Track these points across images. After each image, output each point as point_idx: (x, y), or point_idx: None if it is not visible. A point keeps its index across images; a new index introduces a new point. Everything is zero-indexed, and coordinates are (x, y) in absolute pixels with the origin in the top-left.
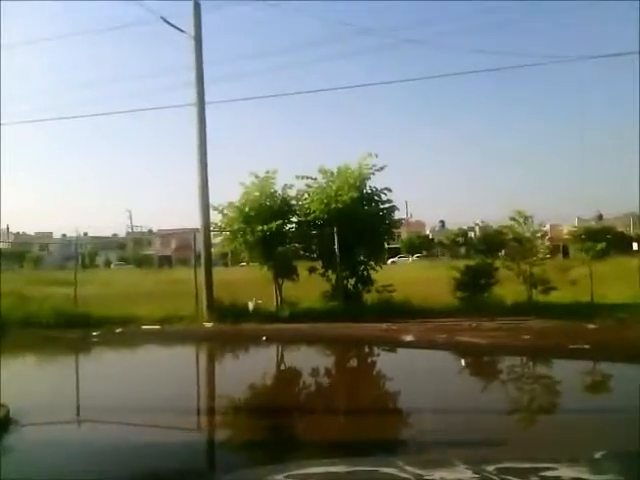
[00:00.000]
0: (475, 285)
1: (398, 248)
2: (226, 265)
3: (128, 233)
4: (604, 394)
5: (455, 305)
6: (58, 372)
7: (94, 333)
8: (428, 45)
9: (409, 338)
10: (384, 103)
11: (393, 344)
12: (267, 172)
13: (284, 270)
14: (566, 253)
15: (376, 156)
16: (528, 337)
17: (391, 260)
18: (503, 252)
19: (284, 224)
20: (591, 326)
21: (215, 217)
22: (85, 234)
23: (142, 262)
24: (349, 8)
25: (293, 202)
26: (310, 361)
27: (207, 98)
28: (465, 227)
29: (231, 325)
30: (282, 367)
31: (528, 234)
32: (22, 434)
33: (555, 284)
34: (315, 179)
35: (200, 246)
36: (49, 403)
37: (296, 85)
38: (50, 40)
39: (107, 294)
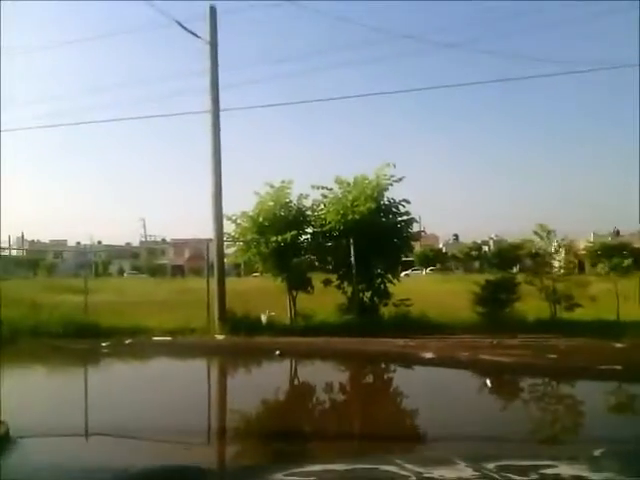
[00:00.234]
0: (496, 300)
1: (412, 261)
2: (239, 275)
3: (141, 242)
4: None
5: (474, 320)
6: (62, 385)
7: (103, 344)
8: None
9: (429, 355)
10: (397, 112)
11: (412, 361)
12: (282, 182)
13: (298, 282)
14: (582, 268)
15: (394, 166)
16: (554, 356)
17: (404, 273)
18: (518, 266)
19: (299, 235)
20: (619, 345)
21: (229, 227)
22: (99, 242)
23: (155, 271)
24: (365, 9)
25: (308, 212)
26: (325, 378)
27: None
28: (479, 241)
29: (243, 338)
30: (296, 384)
31: (551, 248)
32: (23, 451)
33: (577, 300)
34: (331, 189)
35: (213, 256)
36: (47, 417)
37: (311, 92)
38: (60, 44)
39: (118, 303)
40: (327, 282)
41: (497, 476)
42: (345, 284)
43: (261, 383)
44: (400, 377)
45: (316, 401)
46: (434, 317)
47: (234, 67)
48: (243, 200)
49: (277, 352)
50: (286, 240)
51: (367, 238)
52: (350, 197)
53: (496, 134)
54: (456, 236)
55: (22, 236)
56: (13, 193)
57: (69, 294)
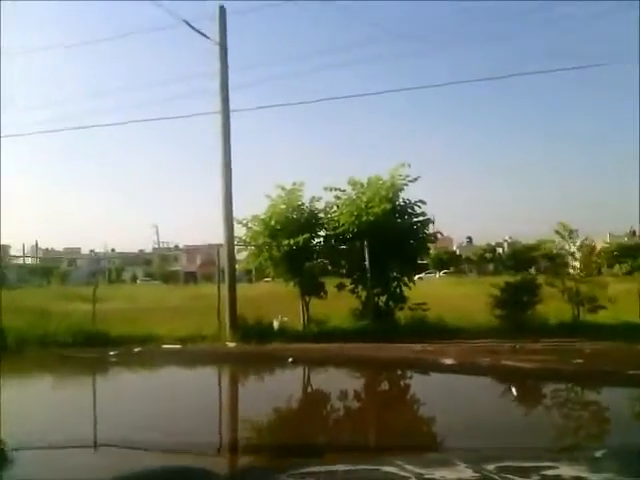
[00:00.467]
0: (516, 303)
1: (425, 264)
2: (250, 281)
3: (154, 249)
4: None
5: (493, 324)
6: (63, 395)
7: (111, 352)
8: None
9: (449, 361)
10: (409, 111)
11: (431, 368)
12: (294, 184)
13: (311, 286)
14: (598, 269)
15: (409, 166)
16: (581, 361)
17: (417, 276)
18: (533, 268)
19: (311, 238)
20: None
21: (240, 231)
22: (112, 250)
23: (168, 278)
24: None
25: (321, 215)
26: (341, 387)
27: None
28: (493, 243)
29: (255, 345)
30: (311, 393)
31: (574, 249)
32: (22, 463)
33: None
34: (344, 191)
35: (224, 262)
36: (46, 428)
37: (319, 91)
38: (61, 46)
39: (129, 310)
40: (340, 286)
41: (497, 477)
42: (359, 288)
43: (273, 392)
44: (419, 385)
45: (332, 411)
46: (451, 321)
47: (239, 68)
48: (254, 203)
49: (290, 359)
50: (298, 243)
51: (382, 240)
52: (364, 198)
53: (506, 134)
54: (469, 238)
55: (36, 244)
56: (25, 201)
57: (81, 302)
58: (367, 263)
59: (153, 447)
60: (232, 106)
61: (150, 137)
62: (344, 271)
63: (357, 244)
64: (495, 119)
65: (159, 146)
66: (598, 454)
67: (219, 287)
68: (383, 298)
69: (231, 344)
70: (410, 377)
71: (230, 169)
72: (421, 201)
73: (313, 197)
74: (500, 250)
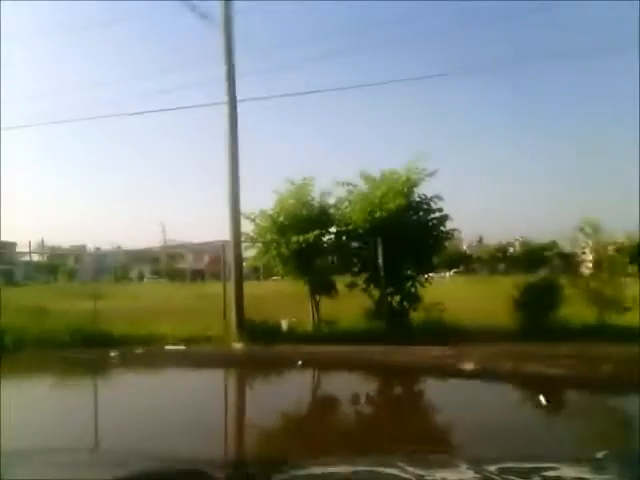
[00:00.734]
0: (537, 304)
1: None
2: (258, 279)
3: (163, 247)
4: None
5: (513, 326)
6: (57, 398)
7: (112, 353)
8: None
9: (470, 366)
10: (414, 104)
11: (451, 374)
12: (304, 178)
13: (321, 285)
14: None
15: (426, 159)
16: (609, 367)
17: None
18: (547, 268)
19: (322, 235)
20: None
21: (247, 227)
22: (118, 247)
23: (175, 276)
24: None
25: (332, 211)
26: (355, 395)
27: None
28: (504, 242)
29: (262, 346)
30: (321, 399)
31: (598, 247)
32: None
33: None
34: (356, 185)
35: (230, 259)
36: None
37: (327, 81)
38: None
39: (134, 308)
40: (352, 285)
41: (499, 478)
42: (372, 287)
43: (281, 399)
44: (440, 394)
45: (346, 422)
46: (468, 323)
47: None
48: (261, 198)
49: (299, 362)
50: (308, 240)
51: (396, 237)
52: (378, 193)
53: (516, 131)
54: (480, 238)
55: (42, 242)
56: (30, 198)
57: (85, 300)
58: (380, 261)
59: (154, 454)
60: (238, 96)
61: (156, 131)
62: (356, 269)
63: (370, 241)
64: (506, 115)
65: (165, 141)
66: (599, 455)
67: (225, 285)
68: (397, 298)
69: (237, 345)
70: (429, 384)
71: (237, 161)
72: (437, 196)
73: (323, 192)
74: (511, 250)
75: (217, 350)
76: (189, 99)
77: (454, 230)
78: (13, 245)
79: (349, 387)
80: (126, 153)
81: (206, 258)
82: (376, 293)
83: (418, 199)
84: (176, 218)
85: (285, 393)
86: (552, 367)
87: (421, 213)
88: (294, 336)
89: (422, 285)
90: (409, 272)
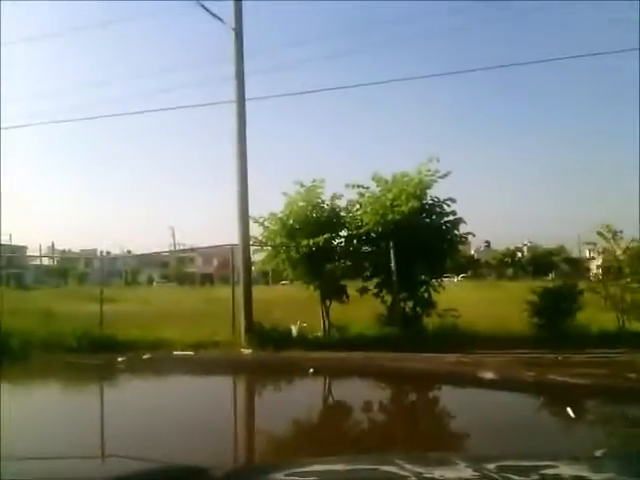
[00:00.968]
0: (556, 310)
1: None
2: (267, 283)
3: (172, 251)
4: None
5: (530, 333)
6: (60, 405)
7: (119, 359)
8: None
9: (489, 375)
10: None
11: (470, 383)
12: (314, 180)
13: (332, 290)
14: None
15: (437, 161)
16: (634, 375)
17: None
18: (554, 273)
19: (332, 238)
20: None
21: (256, 231)
22: (129, 251)
23: (184, 280)
24: None
25: (342, 214)
26: (371, 405)
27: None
28: (512, 247)
29: (272, 352)
30: (337, 411)
31: (619, 251)
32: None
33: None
34: (368, 188)
35: (239, 262)
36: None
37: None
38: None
39: (142, 313)
40: (364, 290)
41: (497, 476)
42: (384, 292)
43: (293, 408)
44: (462, 404)
45: (365, 434)
46: (482, 329)
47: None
48: (270, 201)
49: (310, 370)
50: (318, 244)
51: (409, 241)
52: (389, 195)
53: (525, 135)
54: (488, 242)
55: (52, 245)
56: (40, 201)
57: (94, 304)
58: (393, 265)
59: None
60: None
61: (160, 132)
62: (367, 274)
63: (382, 245)
64: (514, 118)
65: (170, 141)
66: (598, 453)
67: (233, 290)
68: (410, 303)
69: (246, 351)
70: (449, 394)
71: (245, 162)
72: (451, 199)
73: (334, 194)
74: (519, 254)
75: (225, 356)
76: (194, 99)
77: (468, 234)
78: (24, 249)
79: (365, 396)
80: (133, 154)
81: (215, 262)
82: (388, 298)
83: (431, 201)
84: (185, 223)
85: (297, 402)
86: (574, 376)
87: (434, 216)
88: (304, 342)
89: (436, 290)
90: (422, 277)
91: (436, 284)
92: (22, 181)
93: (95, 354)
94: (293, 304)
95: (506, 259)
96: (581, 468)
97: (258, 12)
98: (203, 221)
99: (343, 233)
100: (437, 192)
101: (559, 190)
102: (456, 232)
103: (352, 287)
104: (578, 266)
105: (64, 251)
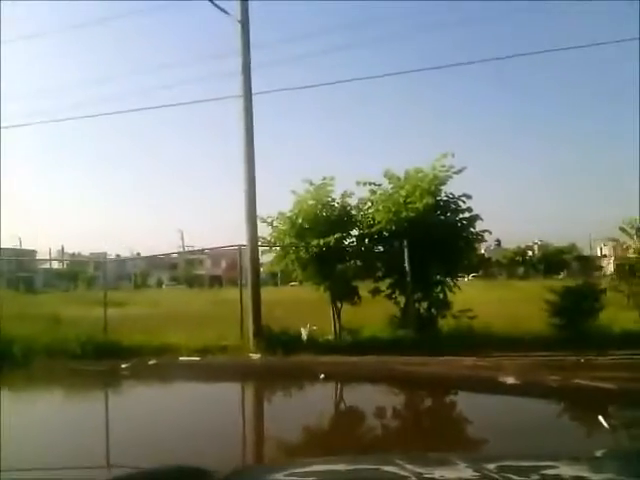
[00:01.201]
0: (577, 310)
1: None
2: (275, 284)
3: (179, 253)
4: None
5: (549, 334)
6: (65, 413)
7: (123, 365)
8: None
9: (510, 380)
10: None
11: (491, 389)
12: (324, 178)
13: (343, 291)
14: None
15: (452, 156)
16: None
17: None
18: (565, 271)
19: (343, 237)
20: None
21: (264, 231)
22: (138, 254)
23: (193, 282)
24: None
25: (353, 212)
26: (388, 413)
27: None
28: (522, 246)
29: (281, 357)
30: (352, 420)
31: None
32: None
33: None
34: (379, 185)
35: (247, 264)
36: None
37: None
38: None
39: (149, 316)
40: (376, 291)
41: (498, 477)
42: (397, 293)
43: (304, 416)
44: (483, 413)
45: (376, 443)
46: (498, 330)
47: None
48: (278, 199)
49: (321, 375)
50: (329, 244)
51: (423, 239)
52: (403, 192)
53: (534, 133)
54: (498, 241)
55: (62, 249)
56: (49, 204)
57: (101, 308)
58: (407, 265)
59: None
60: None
61: (169, 132)
62: (380, 274)
63: (395, 244)
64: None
65: (179, 142)
66: (599, 453)
67: (241, 292)
68: (424, 304)
69: (255, 356)
70: (469, 401)
71: (253, 158)
72: (466, 195)
73: (345, 192)
74: (530, 253)
75: (233, 361)
76: (198, 95)
77: (484, 231)
78: (33, 252)
79: (379, 404)
80: (137, 153)
81: (223, 264)
82: (402, 299)
83: (445, 198)
84: (193, 223)
85: (308, 410)
86: (601, 380)
87: (449, 213)
88: (315, 346)
89: (451, 290)
90: (438, 277)
91: (451, 284)
92: (26, 182)
93: (99, 360)
94: (303, 306)
95: (517, 258)
96: (581, 468)
97: (257, 8)
98: (211, 222)
99: (354, 232)
100: (448, 189)
101: (569, 188)
102: (472, 229)
103: (364, 288)
104: (590, 264)
105: (74, 254)
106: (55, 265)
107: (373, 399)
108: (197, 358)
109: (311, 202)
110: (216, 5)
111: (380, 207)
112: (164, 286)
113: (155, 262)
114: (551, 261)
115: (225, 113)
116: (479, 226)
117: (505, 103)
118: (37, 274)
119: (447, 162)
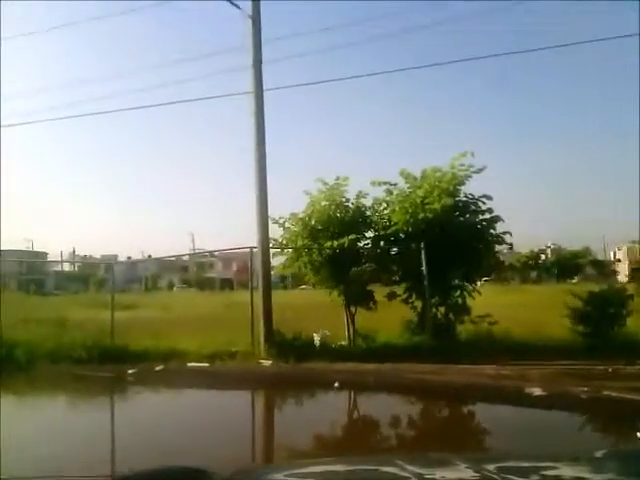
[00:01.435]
0: (602, 316)
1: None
2: (285, 288)
3: (190, 255)
4: None
5: (572, 341)
6: (67, 420)
7: (130, 371)
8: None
9: (536, 391)
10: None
11: (516, 400)
12: (337, 178)
13: (358, 295)
14: None
15: (472, 155)
16: None
17: None
18: (579, 275)
19: (358, 239)
20: None
21: (276, 233)
22: (149, 256)
23: (204, 284)
24: None
25: (368, 213)
26: (406, 426)
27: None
28: (535, 250)
29: (293, 364)
30: (364, 431)
31: None
32: None
33: None
34: (395, 184)
35: (258, 266)
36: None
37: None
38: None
39: (160, 319)
40: (392, 295)
41: (498, 477)
42: (414, 297)
43: (315, 427)
44: (510, 428)
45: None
46: (517, 336)
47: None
48: (290, 200)
49: (336, 384)
50: (343, 246)
51: (441, 241)
52: (420, 192)
53: (546, 137)
54: (511, 245)
55: (73, 251)
56: (60, 207)
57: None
58: (424, 268)
59: None
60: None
61: (178, 131)
62: (396, 277)
63: (412, 246)
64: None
65: (189, 142)
66: (599, 454)
67: (252, 295)
68: (442, 309)
69: (266, 362)
70: (493, 413)
71: (264, 157)
72: (486, 196)
73: (359, 192)
74: (543, 257)
75: (243, 368)
76: (207, 92)
77: (505, 233)
78: (44, 255)
79: (397, 415)
80: (145, 151)
81: (234, 266)
82: (418, 304)
83: (465, 198)
84: (204, 226)
85: (322, 421)
86: (633, 391)
87: (468, 214)
88: (328, 352)
89: (470, 295)
90: (456, 281)
91: (470, 288)
92: (38, 183)
93: (105, 365)
94: (315, 310)
95: (530, 262)
96: (581, 469)
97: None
98: (222, 224)
99: (369, 234)
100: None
101: (581, 190)
102: (492, 231)
103: (379, 292)
104: (604, 268)
105: (85, 257)
106: (66, 267)
107: (390, 410)
108: (206, 364)
109: (324, 203)
110: (230, 0)
111: (396, 208)
112: (175, 289)
113: (166, 264)
114: (565, 265)
115: (236, 111)
116: (499, 228)
117: (517, 104)
118: (48, 276)
119: (466, 161)
